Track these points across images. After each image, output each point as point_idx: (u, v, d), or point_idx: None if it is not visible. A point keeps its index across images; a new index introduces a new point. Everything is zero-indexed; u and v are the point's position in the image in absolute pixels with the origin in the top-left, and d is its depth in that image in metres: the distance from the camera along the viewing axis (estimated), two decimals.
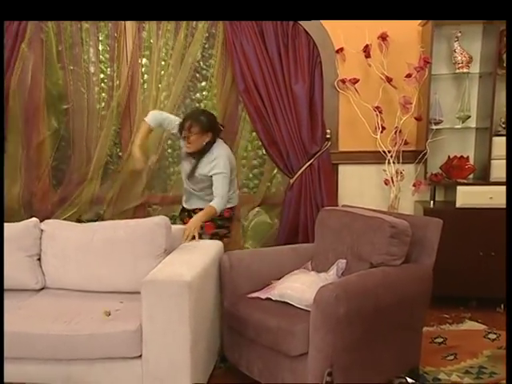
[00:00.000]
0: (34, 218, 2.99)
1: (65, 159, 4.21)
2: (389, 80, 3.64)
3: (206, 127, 3.17)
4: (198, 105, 4.17)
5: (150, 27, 3.94)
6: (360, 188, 3.94)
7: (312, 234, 3.85)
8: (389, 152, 3.69)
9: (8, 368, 2.26)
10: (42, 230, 2.92)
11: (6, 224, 2.86)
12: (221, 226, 3.36)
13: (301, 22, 3.76)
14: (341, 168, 3.94)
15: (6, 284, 2.77)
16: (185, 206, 3.52)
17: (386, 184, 3.76)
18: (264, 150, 3.96)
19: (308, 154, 3.83)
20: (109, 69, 4.04)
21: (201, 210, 3.20)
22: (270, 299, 2.62)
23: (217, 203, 3.11)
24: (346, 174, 3.94)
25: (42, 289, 2.90)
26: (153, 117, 3.32)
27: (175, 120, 3.36)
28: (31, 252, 2.86)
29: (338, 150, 3.90)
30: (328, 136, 3.84)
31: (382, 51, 3.67)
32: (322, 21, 3.73)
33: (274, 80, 3.79)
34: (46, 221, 3.02)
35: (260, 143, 3.95)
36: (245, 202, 4.06)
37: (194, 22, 3.88)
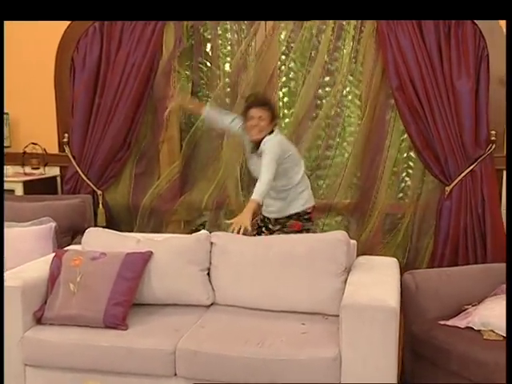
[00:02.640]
0: (204, 231, 3.02)
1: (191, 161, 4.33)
2: None
3: (274, 114, 3.28)
4: (319, 102, 4.15)
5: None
6: None
7: (474, 251, 3.73)
8: None
9: None
10: (211, 243, 2.93)
11: (176, 236, 2.96)
12: (306, 228, 3.34)
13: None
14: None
15: (180, 299, 2.82)
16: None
17: None
18: (415, 154, 3.84)
19: (469, 159, 3.66)
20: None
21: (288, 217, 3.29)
22: (472, 328, 2.49)
23: (256, 190, 3.00)
24: None
25: (211, 305, 2.89)
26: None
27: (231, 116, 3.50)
28: (203, 266, 2.86)
29: (504, 154, 3.68)
30: (493, 138, 3.68)
31: None
32: None
33: (433, 75, 3.63)
34: (216, 233, 3.01)
35: (411, 146, 3.85)
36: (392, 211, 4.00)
37: None
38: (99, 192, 4.24)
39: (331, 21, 3.85)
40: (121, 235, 3.10)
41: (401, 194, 4.08)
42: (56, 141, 4.36)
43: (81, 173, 4.21)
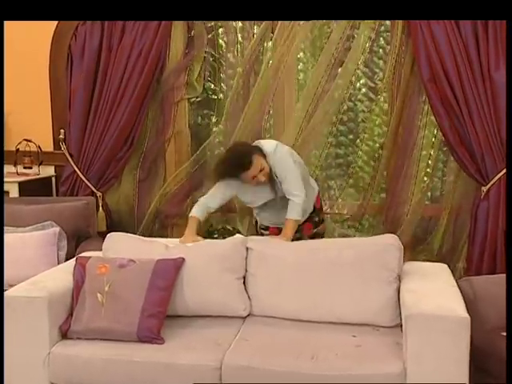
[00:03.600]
0: (238, 235, 2.84)
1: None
2: None
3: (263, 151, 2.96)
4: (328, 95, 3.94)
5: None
6: None
7: None
8: None
9: None
10: (247, 249, 2.72)
11: (208, 241, 2.76)
12: (317, 222, 3.26)
13: None
14: None
15: (215, 310, 2.64)
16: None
17: None
18: (449, 152, 3.65)
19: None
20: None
21: None
22: None
23: (294, 210, 2.93)
24: None
25: (247, 316, 2.69)
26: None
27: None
28: (239, 274, 2.67)
29: None
30: None
31: None
32: None
33: (468, 66, 3.44)
34: (251, 237, 2.84)
35: (444, 143, 3.67)
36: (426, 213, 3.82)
37: None
38: (99, 194, 3.99)
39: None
40: (146, 241, 2.88)
41: (433, 195, 3.90)
42: (51, 137, 4.09)
43: (79, 173, 3.95)
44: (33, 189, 3.89)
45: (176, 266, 2.55)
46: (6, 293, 2.45)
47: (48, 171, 4.10)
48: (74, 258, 2.70)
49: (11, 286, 2.89)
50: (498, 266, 3.53)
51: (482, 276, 3.13)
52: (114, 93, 3.86)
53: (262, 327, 2.59)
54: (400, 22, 3.64)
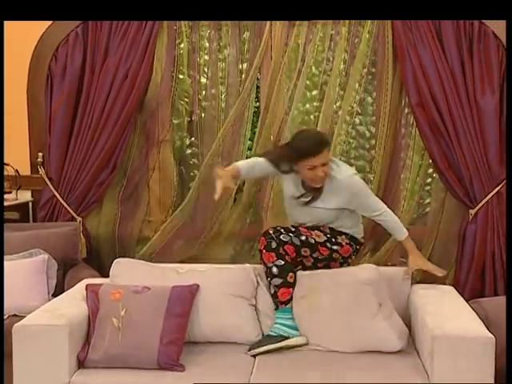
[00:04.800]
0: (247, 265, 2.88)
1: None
2: None
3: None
4: (307, 118, 3.99)
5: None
6: None
7: (503, 279, 3.62)
8: None
9: None
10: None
11: (220, 266, 2.78)
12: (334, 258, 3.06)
13: (487, 22, 3.55)
14: None
15: (229, 336, 2.67)
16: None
17: None
18: (437, 176, 3.78)
19: (495, 179, 3.63)
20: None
21: None
22: None
23: (393, 226, 3.02)
24: None
25: None
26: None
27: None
28: (251, 300, 2.75)
29: None
30: None
31: None
32: None
33: (455, 91, 3.59)
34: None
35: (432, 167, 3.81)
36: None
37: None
38: (79, 219, 3.95)
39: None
40: (156, 266, 2.90)
41: (420, 217, 4.01)
42: (28, 161, 4.04)
43: (59, 197, 3.90)
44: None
45: (191, 292, 2.60)
46: (22, 321, 2.44)
47: (25, 196, 4.03)
48: (79, 285, 2.68)
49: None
50: (487, 290, 3.66)
51: (490, 298, 3.24)
52: (98, 116, 3.83)
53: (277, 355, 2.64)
54: (390, 46, 3.77)
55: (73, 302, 2.65)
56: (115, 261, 2.87)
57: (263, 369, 2.51)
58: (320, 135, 3.01)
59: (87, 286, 2.64)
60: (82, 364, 2.48)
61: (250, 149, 4.03)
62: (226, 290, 2.70)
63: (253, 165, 3.02)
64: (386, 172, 3.87)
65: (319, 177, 2.83)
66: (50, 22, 3.87)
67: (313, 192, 2.92)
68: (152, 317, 2.45)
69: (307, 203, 2.94)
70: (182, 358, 2.49)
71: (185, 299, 2.55)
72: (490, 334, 2.30)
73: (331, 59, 3.89)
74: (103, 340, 2.44)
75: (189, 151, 4.20)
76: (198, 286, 2.65)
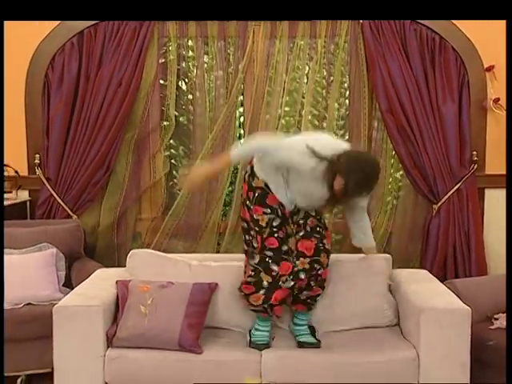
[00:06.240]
0: None
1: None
2: None
3: None
4: (278, 122, 4.27)
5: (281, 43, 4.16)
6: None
7: (463, 265, 4.09)
8: None
9: None
10: None
11: (231, 258, 3.17)
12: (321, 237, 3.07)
13: (447, 38, 4.00)
14: (488, 192, 4.22)
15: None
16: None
17: None
18: (405, 174, 4.20)
19: (455, 178, 4.07)
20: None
21: None
22: None
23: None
24: (494, 199, 4.22)
25: None
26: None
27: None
28: None
29: (485, 173, 4.17)
30: (475, 158, 4.11)
31: None
32: (469, 35, 4.01)
33: (420, 99, 4.02)
34: None
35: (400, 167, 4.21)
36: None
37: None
38: (74, 217, 4.23)
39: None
40: (170, 258, 3.22)
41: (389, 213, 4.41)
42: (25, 162, 4.31)
43: (56, 196, 4.17)
44: (10, 213, 4.06)
45: (211, 288, 2.99)
46: (60, 303, 2.78)
47: (23, 195, 4.29)
48: (95, 275, 3.01)
49: (17, 305, 3.13)
50: (448, 276, 4.11)
51: (462, 279, 3.73)
52: (93, 120, 4.10)
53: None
54: (363, 58, 4.18)
55: (97, 288, 2.96)
56: (131, 252, 3.18)
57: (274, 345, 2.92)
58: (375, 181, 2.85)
59: (117, 282, 2.98)
60: (110, 342, 2.78)
61: None
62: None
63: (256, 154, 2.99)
64: None
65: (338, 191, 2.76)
66: (47, 32, 4.14)
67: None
68: (175, 306, 2.78)
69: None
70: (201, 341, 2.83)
71: (205, 293, 2.92)
72: (466, 306, 2.69)
73: (308, 69, 4.27)
74: (131, 322, 2.75)
75: (177, 153, 4.48)
76: (217, 284, 3.03)
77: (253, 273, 2.92)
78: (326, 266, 3.03)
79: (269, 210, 2.92)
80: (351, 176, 2.64)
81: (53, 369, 2.81)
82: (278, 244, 2.92)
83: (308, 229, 3.01)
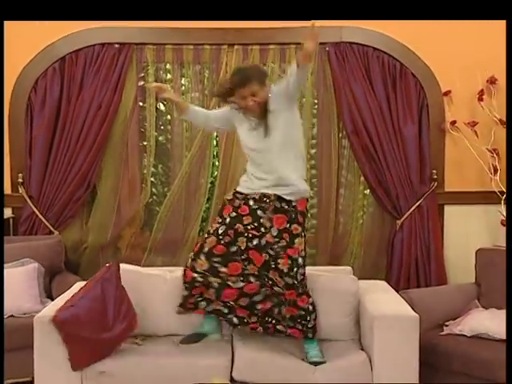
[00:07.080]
0: None
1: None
2: (502, 123, 4.18)
3: (263, 79, 3.10)
4: None
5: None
6: (465, 229, 4.47)
7: (425, 276, 4.35)
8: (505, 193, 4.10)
9: None
10: None
11: None
12: (293, 220, 3.07)
13: (407, 64, 4.29)
14: (447, 208, 4.47)
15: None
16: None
17: (503, 225, 4.18)
18: (370, 192, 4.48)
19: (416, 195, 4.33)
20: None
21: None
22: (464, 335, 3.11)
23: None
24: (452, 215, 4.47)
25: None
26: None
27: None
28: None
29: (444, 191, 4.42)
30: (435, 177, 4.37)
31: (492, 94, 4.26)
32: (428, 62, 4.30)
33: (383, 122, 4.29)
34: None
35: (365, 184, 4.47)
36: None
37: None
38: (56, 233, 4.42)
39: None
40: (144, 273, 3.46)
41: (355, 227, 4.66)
42: (9, 181, 4.50)
43: (38, 213, 4.36)
44: None
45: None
46: (38, 315, 2.96)
47: (7, 213, 4.47)
48: (75, 287, 3.20)
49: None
50: (411, 287, 4.34)
51: (415, 289, 3.94)
52: (74, 141, 4.32)
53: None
54: (331, 82, 4.44)
55: None
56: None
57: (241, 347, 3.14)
58: (247, 70, 3.17)
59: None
60: None
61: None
62: None
63: (204, 112, 3.45)
64: (326, 188, 4.49)
65: (249, 105, 3.06)
66: (31, 57, 4.37)
67: (260, 119, 3.12)
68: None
69: (265, 132, 3.10)
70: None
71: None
72: (415, 313, 2.92)
73: None
74: None
75: (155, 171, 4.70)
76: None
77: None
78: (289, 288, 3.05)
79: (220, 220, 3.18)
80: (230, 78, 3.18)
81: (33, 378, 3.00)
82: (225, 249, 3.14)
83: (263, 242, 3.08)
